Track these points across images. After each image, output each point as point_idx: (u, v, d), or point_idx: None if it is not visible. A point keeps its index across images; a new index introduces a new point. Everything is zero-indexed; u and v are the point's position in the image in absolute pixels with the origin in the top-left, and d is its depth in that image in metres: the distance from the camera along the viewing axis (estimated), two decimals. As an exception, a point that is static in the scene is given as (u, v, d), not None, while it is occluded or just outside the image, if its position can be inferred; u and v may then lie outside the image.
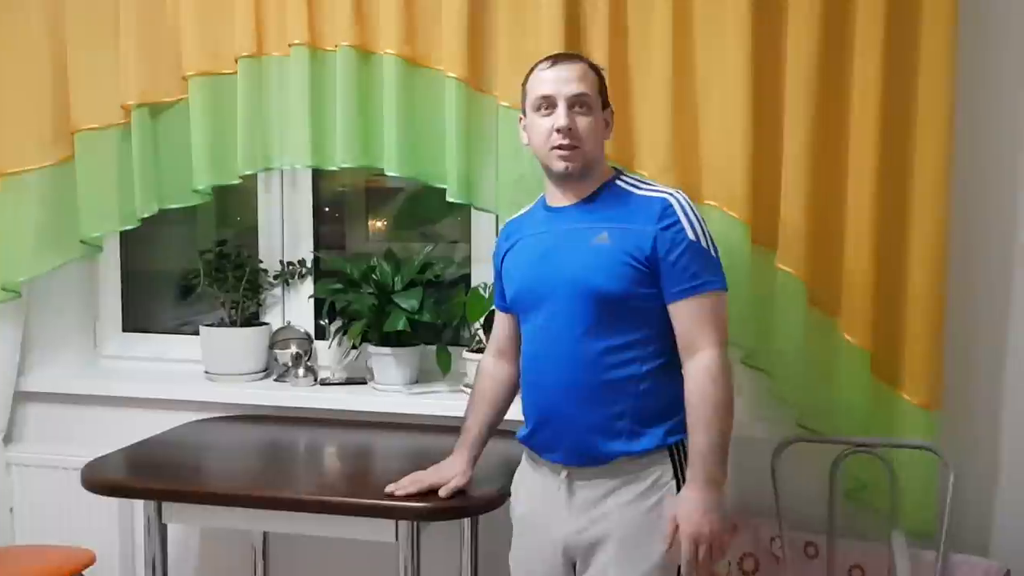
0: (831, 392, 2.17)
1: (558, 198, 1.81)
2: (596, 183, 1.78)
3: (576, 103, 1.72)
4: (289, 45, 2.43)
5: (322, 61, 2.43)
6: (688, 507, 1.64)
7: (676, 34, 2.17)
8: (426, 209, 2.80)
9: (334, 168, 2.46)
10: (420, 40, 2.37)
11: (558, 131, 1.71)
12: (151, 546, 2.12)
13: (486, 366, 2.00)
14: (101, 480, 2.08)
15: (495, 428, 1.98)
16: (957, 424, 2.17)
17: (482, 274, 2.61)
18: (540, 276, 1.77)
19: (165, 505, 2.08)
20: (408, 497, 1.87)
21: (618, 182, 1.80)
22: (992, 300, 2.20)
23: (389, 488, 1.88)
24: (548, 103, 1.73)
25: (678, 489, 1.69)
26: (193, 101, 2.51)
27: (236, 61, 2.47)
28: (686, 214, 1.70)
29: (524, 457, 1.87)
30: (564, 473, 1.74)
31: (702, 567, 1.64)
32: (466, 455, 1.94)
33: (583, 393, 1.70)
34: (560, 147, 1.72)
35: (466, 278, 2.66)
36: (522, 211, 1.95)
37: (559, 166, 1.74)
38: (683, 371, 1.70)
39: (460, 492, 1.88)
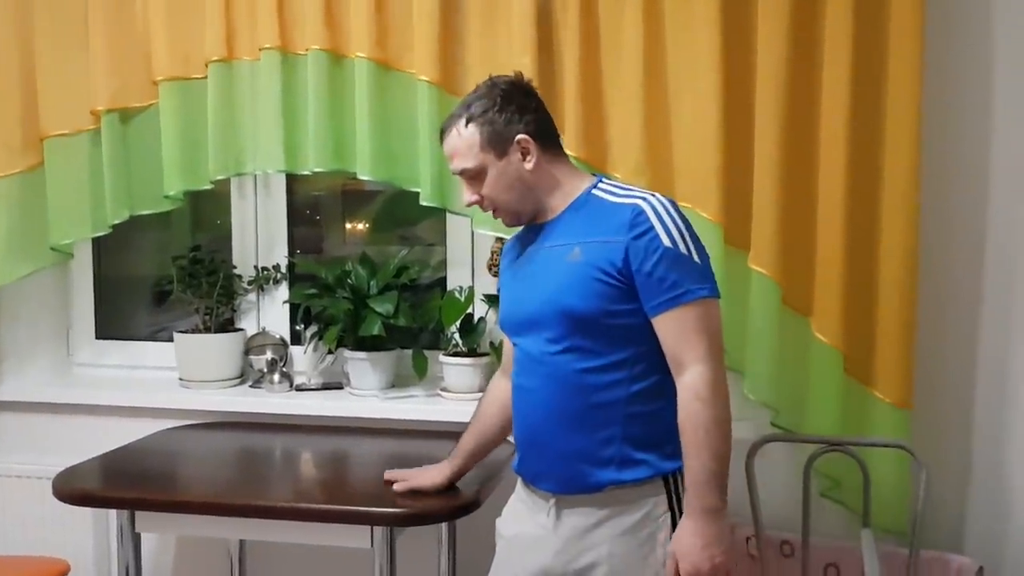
0: (805, 391, 2.19)
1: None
2: (562, 202, 1.68)
3: (465, 175, 1.68)
4: (260, 49, 2.42)
5: (293, 65, 2.42)
6: (687, 542, 1.54)
7: (647, 37, 2.18)
8: (404, 212, 2.79)
9: (307, 172, 2.45)
10: (392, 43, 2.37)
11: (467, 206, 1.72)
12: (125, 555, 2.10)
13: (491, 385, 1.95)
14: (73, 489, 2.06)
15: (491, 444, 1.91)
16: (929, 422, 2.19)
17: (458, 277, 2.61)
18: (520, 299, 1.71)
19: (139, 514, 2.06)
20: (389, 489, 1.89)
21: (595, 191, 1.67)
22: (963, 300, 2.22)
23: (388, 474, 1.94)
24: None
25: (673, 521, 1.60)
26: (164, 106, 2.49)
27: (207, 65, 2.46)
28: (660, 219, 1.56)
29: (519, 481, 1.79)
30: (552, 500, 1.66)
31: None
32: (447, 466, 1.91)
33: (568, 418, 1.61)
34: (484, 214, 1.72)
35: (442, 282, 2.65)
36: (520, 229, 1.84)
37: (503, 223, 1.74)
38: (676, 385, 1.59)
39: (421, 493, 1.90)
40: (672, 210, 1.59)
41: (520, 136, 1.65)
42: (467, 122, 1.65)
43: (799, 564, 2.12)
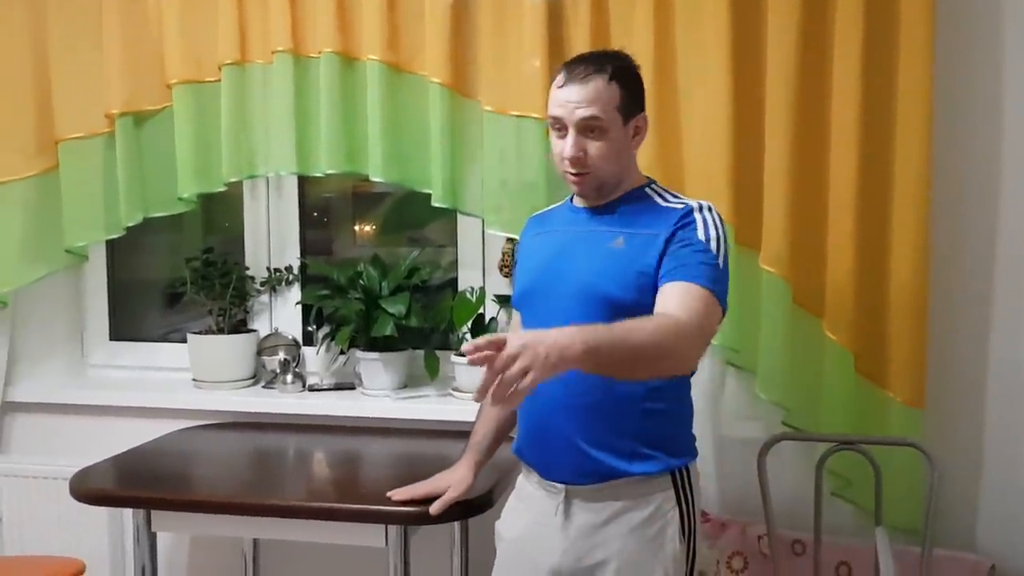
0: (816, 391, 2.19)
1: (582, 200, 1.73)
2: (622, 191, 1.69)
3: (586, 128, 1.61)
4: (272, 52, 2.44)
5: (305, 68, 2.43)
6: (542, 336, 1.33)
7: (657, 36, 2.19)
8: (413, 214, 2.80)
9: (319, 175, 2.46)
10: (403, 46, 2.38)
11: (565, 159, 1.63)
12: (140, 555, 2.12)
13: None
14: (89, 489, 2.08)
15: (505, 432, 1.90)
16: (941, 421, 2.19)
17: (469, 278, 2.62)
18: (549, 275, 1.69)
19: (154, 513, 2.08)
20: (400, 503, 1.84)
21: (647, 190, 1.71)
22: (974, 298, 2.21)
23: (390, 493, 1.87)
24: (559, 125, 1.63)
25: (681, 517, 1.62)
26: (177, 109, 2.51)
27: (220, 68, 2.48)
28: (704, 220, 1.62)
29: (520, 479, 1.80)
30: (562, 495, 1.66)
31: (503, 382, 1.30)
32: (469, 460, 1.87)
33: (584, 410, 1.62)
34: (570, 173, 1.65)
35: (453, 282, 2.66)
36: (548, 208, 1.88)
37: (572, 188, 1.69)
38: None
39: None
40: (717, 218, 1.64)
41: (643, 113, 1.68)
42: (611, 78, 1.61)
43: (811, 563, 2.12)
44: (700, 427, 1.72)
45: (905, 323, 2.13)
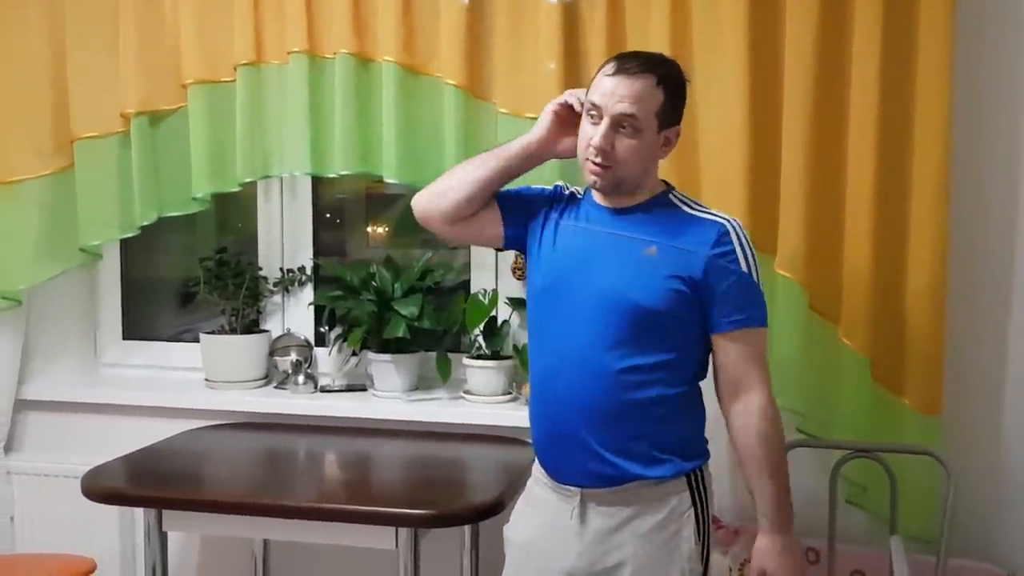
0: (832, 397, 2.17)
1: (603, 198, 1.71)
2: (642, 196, 1.68)
3: (621, 123, 1.59)
4: (288, 53, 2.44)
5: (321, 68, 2.44)
6: (779, 558, 1.61)
7: (674, 39, 2.18)
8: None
9: (333, 175, 2.46)
10: (419, 47, 2.38)
11: (592, 147, 1.61)
12: (151, 554, 2.12)
13: None
14: (101, 488, 2.09)
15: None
16: (958, 429, 2.17)
17: (482, 280, 2.61)
18: (572, 277, 1.66)
19: (166, 513, 2.08)
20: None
21: (670, 197, 1.71)
22: (992, 305, 2.19)
23: None
24: (597, 112, 1.61)
25: (696, 519, 1.63)
26: (192, 109, 2.52)
27: (235, 69, 2.48)
28: (741, 244, 1.63)
29: (530, 483, 1.79)
30: (577, 499, 1.65)
31: None
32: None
33: (601, 415, 1.61)
34: (592, 162, 1.63)
35: (466, 284, 2.66)
36: (575, 187, 1.82)
37: (588, 178, 1.66)
38: (728, 408, 1.64)
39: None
40: (748, 238, 1.66)
41: (678, 126, 1.68)
42: (659, 82, 1.61)
43: (825, 571, 2.10)
44: (714, 433, 1.71)
45: (922, 330, 2.11)
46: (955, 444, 2.13)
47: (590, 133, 1.62)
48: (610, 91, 1.60)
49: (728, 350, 1.63)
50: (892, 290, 2.13)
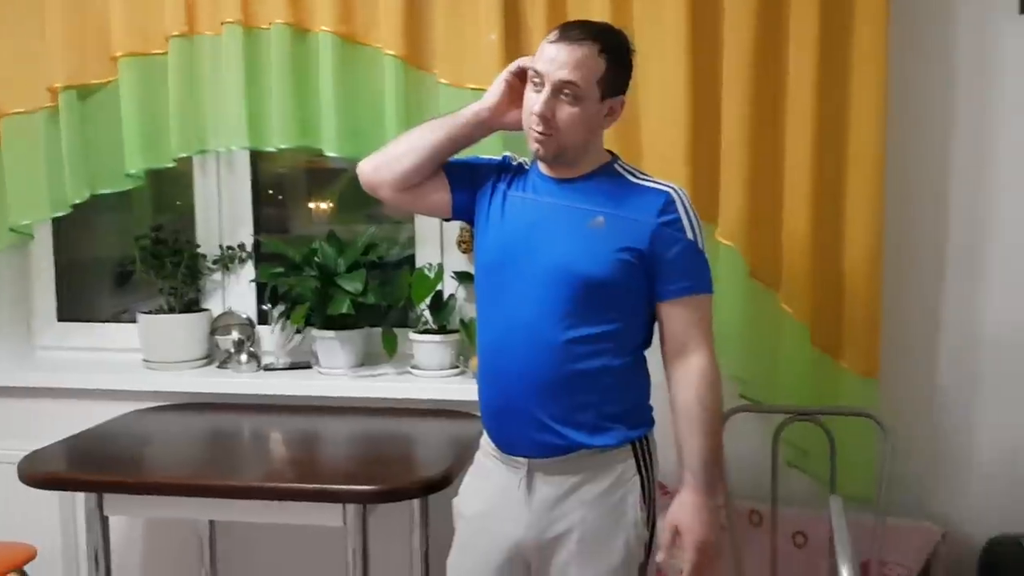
0: (772, 363, 2.21)
1: (549, 168, 1.70)
2: (587, 167, 1.68)
3: (562, 90, 1.58)
4: (221, 23, 2.38)
5: (256, 39, 2.38)
6: (694, 514, 1.61)
7: (614, 12, 2.17)
8: (370, 190, 2.76)
9: (272, 149, 2.42)
10: (357, 17, 2.34)
11: (534, 115, 1.60)
12: (93, 539, 2.07)
13: None
14: (39, 473, 2.03)
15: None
16: (895, 391, 2.22)
17: (427, 254, 2.59)
18: (519, 250, 1.66)
19: (106, 497, 2.04)
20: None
21: (615, 167, 1.71)
22: (927, 270, 2.25)
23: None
24: (540, 79, 1.60)
25: (642, 485, 1.65)
26: (123, 82, 2.45)
27: (167, 40, 2.41)
28: (687, 212, 1.64)
29: (478, 455, 1.79)
30: (524, 469, 1.66)
31: (705, 573, 1.61)
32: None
33: (547, 384, 1.62)
34: (535, 131, 1.62)
35: (411, 259, 2.63)
36: (523, 158, 1.79)
37: (531, 146, 1.65)
38: (671, 371, 1.65)
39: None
40: (692, 205, 1.67)
41: (623, 97, 1.67)
42: (602, 51, 1.59)
43: (768, 532, 2.15)
44: (658, 400, 1.73)
45: (859, 295, 2.15)
46: (892, 406, 2.19)
47: (533, 101, 1.62)
48: (551, 58, 1.59)
49: (674, 317, 1.64)
50: (830, 257, 2.17)
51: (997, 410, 2.24)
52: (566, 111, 1.60)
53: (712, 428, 1.63)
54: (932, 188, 2.23)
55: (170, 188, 2.79)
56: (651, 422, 1.72)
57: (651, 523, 1.67)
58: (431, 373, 2.44)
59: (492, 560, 1.69)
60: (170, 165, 2.48)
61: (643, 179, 1.70)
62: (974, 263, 2.22)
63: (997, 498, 2.23)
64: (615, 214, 1.63)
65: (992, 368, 2.23)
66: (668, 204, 1.63)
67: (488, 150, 1.92)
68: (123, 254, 2.74)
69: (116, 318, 2.87)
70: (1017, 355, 2.21)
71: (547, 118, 1.60)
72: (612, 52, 1.62)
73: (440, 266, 2.54)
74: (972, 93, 2.19)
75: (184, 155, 2.46)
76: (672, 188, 1.66)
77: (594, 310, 1.61)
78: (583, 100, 1.60)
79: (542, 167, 1.72)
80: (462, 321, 2.48)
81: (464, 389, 2.34)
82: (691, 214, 1.65)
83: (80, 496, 2.22)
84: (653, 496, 1.68)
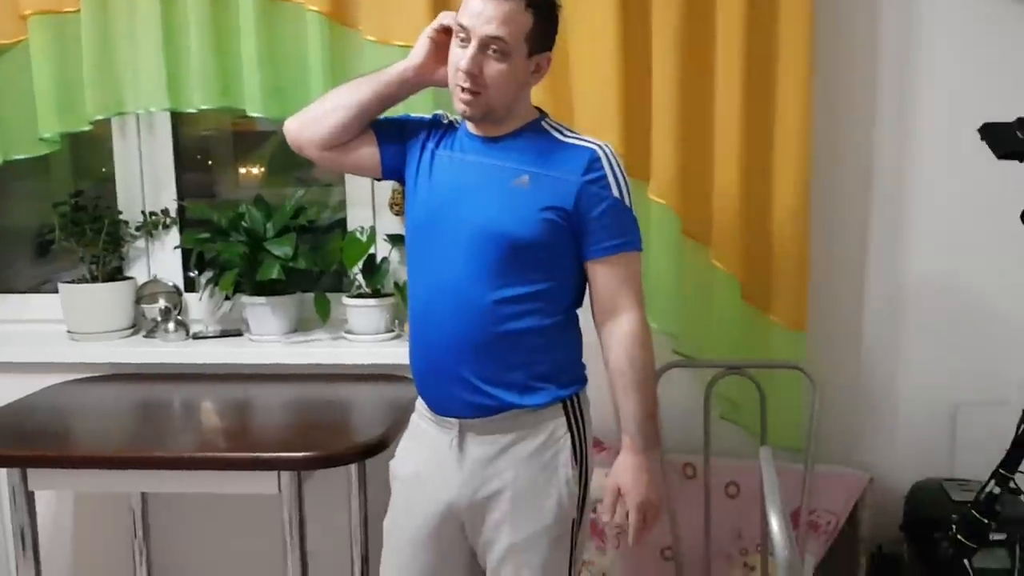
0: (704, 319, 2.24)
1: (476, 127, 1.67)
2: (514, 124, 1.66)
3: (489, 46, 1.55)
4: (137, -22, 2.28)
5: (174, -5, 2.29)
6: (635, 476, 1.62)
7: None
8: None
9: (192, 110, 2.34)
10: (279, -28, 2.26)
11: (460, 71, 1.57)
12: (18, 516, 2.02)
13: None
14: (-43, 450, 1.96)
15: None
16: (822, 344, 2.27)
17: (359, 217, 2.55)
18: (446, 210, 1.64)
19: (30, 472, 1.98)
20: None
21: (543, 124, 1.68)
22: (852, 226, 2.29)
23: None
24: (465, 35, 1.56)
25: (573, 443, 1.65)
26: (34, 42, 2.34)
27: (79, -4, 2.30)
28: (612, 169, 1.62)
29: (413, 417, 1.78)
30: (456, 430, 1.66)
31: (645, 533, 1.64)
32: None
33: (476, 347, 1.61)
34: (461, 88, 1.58)
35: (342, 223, 2.59)
36: (454, 116, 1.76)
37: (458, 107, 1.61)
38: (601, 331, 1.65)
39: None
40: (619, 163, 1.65)
41: (549, 53, 1.65)
42: (528, 5, 1.56)
43: (701, 484, 2.19)
44: (591, 358, 1.73)
45: (788, 250, 2.19)
46: (820, 358, 2.24)
47: (459, 57, 1.58)
48: (478, 12, 1.55)
49: (602, 275, 1.64)
50: (759, 213, 2.20)
51: (921, 360, 2.31)
52: (494, 67, 1.57)
53: (645, 387, 1.64)
54: (857, 143, 2.27)
55: (90, 153, 2.69)
56: (583, 380, 1.72)
57: (583, 481, 1.68)
58: (366, 338, 2.41)
59: (427, 521, 1.69)
60: (86, 128, 2.38)
61: (570, 136, 1.68)
62: (898, 216, 2.27)
63: (921, 444, 2.31)
64: (540, 173, 1.62)
65: (916, 319, 2.30)
66: (593, 161, 1.62)
67: (420, 108, 1.88)
68: (42, 222, 2.64)
69: (37, 288, 2.76)
70: (940, 305, 2.28)
71: (474, 74, 1.57)
72: (538, 7, 1.59)
73: (372, 229, 2.50)
74: (896, 47, 2.22)
75: (101, 117, 2.37)
76: (598, 145, 1.65)
77: (521, 270, 1.60)
78: (510, 56, 1.57)
79: (469, 125, 1.69)
80: (396, 284, 2.45)
81: (399, 353, 2.31)
82: (617, 171, 1.63)
83: (3, 472, 2.15)
84: (586, 454, 1.68)
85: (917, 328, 2.30)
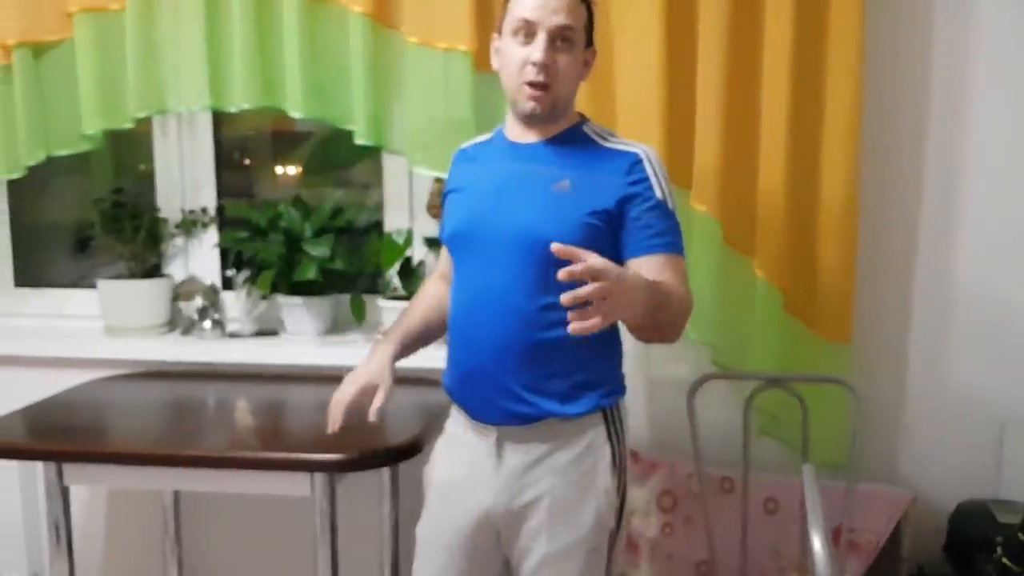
0: (745, 329, 2.19)
1: (519, 133, 1.65)
2: (563, 125, 1.64)
3: (559, 36, 1.54)
4: (181, -22, 2.29)
5: (218, -6, 2.30)
6: (630, 279, 1.37)
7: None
8: (337, 154, 2.69)
9: (234, 110, 2.34)
10: (322, -27, 2.26)
11: (533, 65, 1.54)
12: (53, 510, 2.02)
13: (428, 285, 1.89)
14: (-3, 443, 1.97)
15: (433, 332, 1.82)
16: (867, 358, 2.22)
17: (395, 220, 2.54)
18: (485, 217, 1.62)
19: (67, 467, 1.99)
20: (339, 431, 1.71)
21: (584, 128, 1.67)
22: (900, 236, 2.23)
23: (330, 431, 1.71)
24: (528, 29, 1.54)
25: (612, 453, 1.61)
26: (79, 40, 2.36)
27: (125, -5, 2.32)
28: (655, 172, 1.59)
29: (449, 423, 1.76)
30: (494, 437, 1.63)
31: (587, 296, 1.28)
32: (389, 351, 1.73)
33: (517, 352, 1.58)
34: (532, 84, 1.55)
35: (380, 224, 2.58)
36: (477, 138, 1.80)
37: (526, 105, 1.58)
38: None
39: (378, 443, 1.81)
40: (662, 165, 1.62)
41: (594, 48, 1.66)
42: (582, 0, 1.59)
43: (739, 499, 2.14)
44: (630, 367, 1.71)
45: (833, 262, 2.13)
46: (864, 372, 2.19)
47: (523, 54, 1.56)
48: (541, 4, 1.54)
49: (644, 268, 1.54)
50: (804, 222, 2.14)
51: (968, 376, 2.24)
52: (564, 59, 1.57)
53: (672, 300, 1.48)
54: (907, 151, 2.21)
55: (130, 150, 2.71)
56: (623, 390, 1.69)
57: (621, 491, 1.65)
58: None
59: (462, 527, 1.67)
60: (128, 126, 2.40)
61: (611, 141, 1.66)
62: (947, 226, 2.21)
63: (966, 463, 2.24)
64: (582, 177, 1.59)
65: (964, 334, 2.23)
66: (635, 164, 1.59)
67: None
68: (82, 218, 2.66)
69: (76, 284, 2.79)
70: (989, 319, 2.22)
71: (547, 65, 1.55)
72: (587, 1, 1.61)
73: (409, 231, 2.49)
74: (949, 56, 2.16)
75: (143, 115, 2.39)
76: (641, 149, 1.62)
77: None
78: (576, 47, 1.58)
79: (508, 132, 1.68)
80: (432, 287, 2.43)
81: (434, 356, 2.27)
82: (660, 174, 1.60)
83: (40, 466, 2.16)
84: (623, 464, 1.65)
85: (965, 342, 2.23)
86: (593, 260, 1.29)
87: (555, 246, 1.29)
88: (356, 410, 1.69)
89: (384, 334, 1.81)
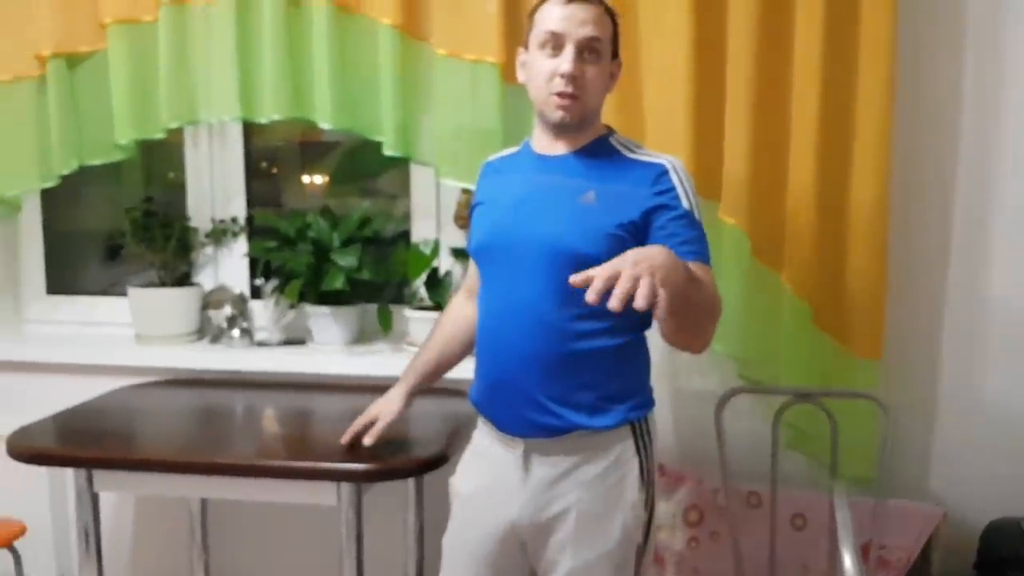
0: (773, 344, 2.17)
1: (546, 145, 1.66)
2: (590, 136, 1.65)
3: (587, 48, 1.56)
4: (213, -10, 2.32)
5: (249, 7, 2.31)
6: (667, 254, 1.34)
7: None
8: (364, 164, 2.71)
9: (264, 121, 2.36)
10: (352, -15, 2.28)
11: (562, 76, 1.56)
12: (83, 516, 2.04)
13: (453, 304, 1.92)
14: (29, 449, 2.00)
15: (451, 363, 1.90)
16: (897, 373, 2.19)
17: (423, 230, 2.55)
18: (511, 229, 1.62)
19: (96, 473, 2.00)
20: (349, 448, 1.86)
21: (611, 140, 1.67)
22: (931, 249, 2.21)
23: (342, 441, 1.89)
24: (556, 42, 1.56)
25: (640, 467, 1.61)
26: (113, 51, 2.39)
27: (158, 7, 2.35)
28: (681, 183, 1.58)
29: (476, 434, 1.76)
30: (521, 449, 1.63)
31: (622, 280, 1.26)
32: (403, 387, 1.87)
33: (545, 364, 1.58)
34: (561, 95, 1.57)
35: (407, 234, 2.59)
36: (503, 152, 1.82)
37: (556, 115, 1.59)
38: None
39: (399, 448, 1.85)
40: (689, 178, 1.62)
41: (620, 60, 1.68)
42: (606, 11, 1.61)
43: (767, 515, 2.12)
44: (657, 381, 1.70)
45: (864, 276, 2.11)
46: (894, 387, 2.16)
47: (551, 66, 1.58)
48: (568, 16, 1.57)
49: None
50: (835, 237, 2.12)
51: (1000, 390, 2.21)
52: (592, 70, 1.59)
53: (703, 286, 1.45)
54: (938, 167, 2.18)
55: (161, 160, 2.74)
56: (651, 403, 1.68)
57: (649, 505, 1.64)
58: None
59: (488, 539, 1.67)
60: (160, 136, 2.43)
61: (638, 152, 1.65)
62: (979, 244, 2.18)
63: (998, 480, 2.21)
64: (608, 189, 1.59)
65: (996, 348, 2.20)
66: (661, 175, 1.59)
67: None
68: (113, 227, 2.69)
69: (106, 292, 2.82)
70: (1021, 334, 2.19)
71: (576, 76, 1.57)
72: (612, 14, 1.63)
73: (436, 242, 2.50)
74: (982, 62, 2.13)
75: (175, 126, 2.41)
76: (667, 159, 1.62)
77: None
78: (603, 58, 1.60)
79: (535, 145, 1.69)
80: (458, 298, 2.44)
81: (461, 366, 2.29)
82: (686, 185, 1.59)
83: (70, 472, 2.18)
84: (651, 478, 1.64)
85: (997, 356, 2.20)
86: (602, 270, 1.27)
87: (572, 279, 1.30)
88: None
89: (405, 370, 1.93)
